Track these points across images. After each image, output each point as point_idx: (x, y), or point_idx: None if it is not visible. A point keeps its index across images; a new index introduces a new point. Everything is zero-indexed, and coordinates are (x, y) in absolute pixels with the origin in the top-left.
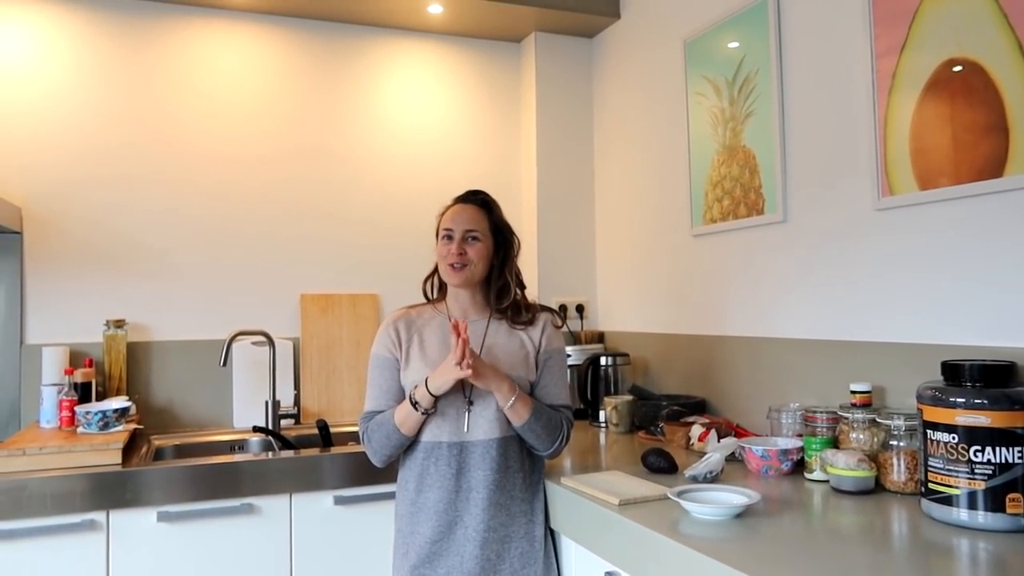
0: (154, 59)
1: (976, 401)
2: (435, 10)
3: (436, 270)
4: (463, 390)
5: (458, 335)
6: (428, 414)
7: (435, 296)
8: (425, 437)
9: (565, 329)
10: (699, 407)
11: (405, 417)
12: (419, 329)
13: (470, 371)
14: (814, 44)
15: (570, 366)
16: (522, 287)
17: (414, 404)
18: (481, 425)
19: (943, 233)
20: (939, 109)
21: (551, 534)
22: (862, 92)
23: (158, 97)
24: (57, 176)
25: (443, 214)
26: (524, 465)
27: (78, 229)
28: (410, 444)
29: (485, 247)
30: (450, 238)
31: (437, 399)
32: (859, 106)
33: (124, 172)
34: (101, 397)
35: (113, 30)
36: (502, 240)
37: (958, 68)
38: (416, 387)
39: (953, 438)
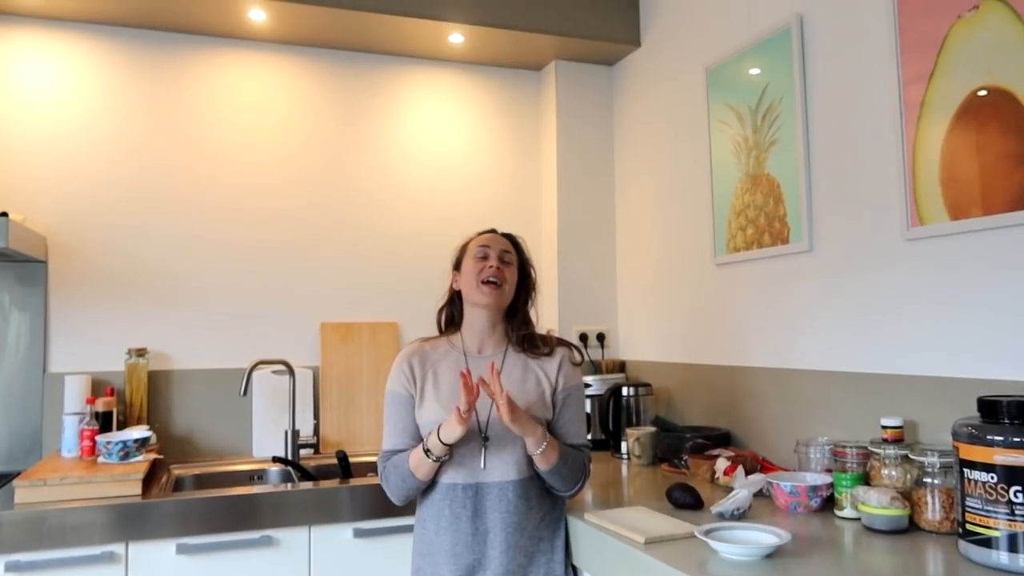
0: (177, 89)
1: (1015, 440)
2: (456, 39)
3: (450, 300)
4: (478, 428)
5: (467, 384)
6: (442, 461)
7: (447, 328)
8: (441, 478)
9: (587, 359)
10: (724, 439)
11: (419, 463)
12: (434, 364)
13: (468, 417)
14: (839, 71)
15: (591, 396)
16: (530, 320)
17: (426, 451)
18: (498, 466)
19: (976, 264)
20: (970, 137)
21: (574, 570)
22: (889, 120)
23: (181, 127)
24: (81, 205)
25: (468, 243)
26: (544, 504)
27: (101, 258)
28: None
29: (516, 273)
30: (486, 256)
31: (451, 447)
32: (886, 134)
33: (147, 201)
34: (122, 426)
35: (137, 60)
36: (524, 277)
37: (988, 95)
38: (429, 435)
39: (992, 478)
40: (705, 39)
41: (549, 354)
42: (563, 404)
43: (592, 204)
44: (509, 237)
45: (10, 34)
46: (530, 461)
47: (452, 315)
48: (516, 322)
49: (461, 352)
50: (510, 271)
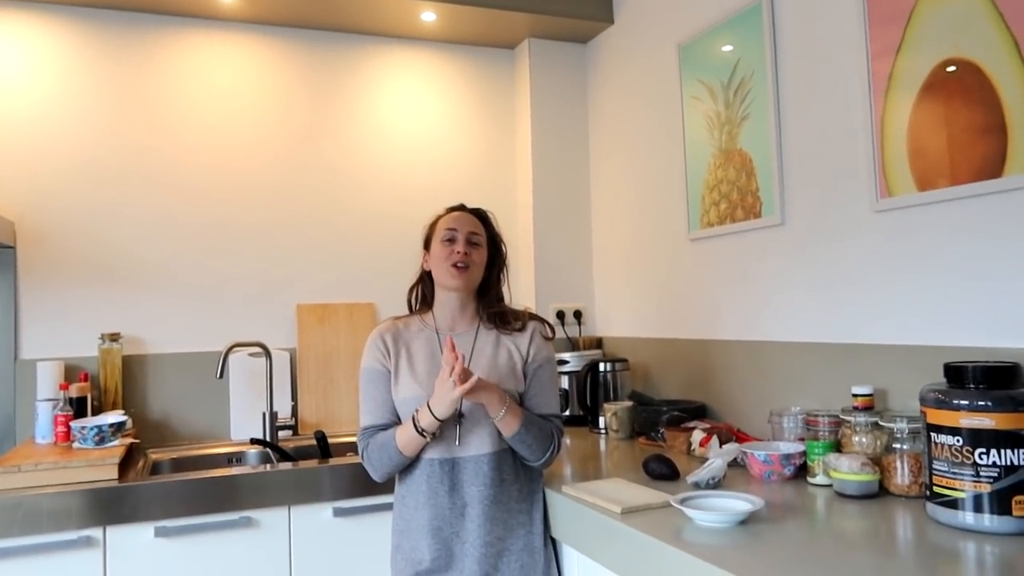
0: (146, 70)
1: (980, 403)
2: (428, 17)
3: (420, 279)
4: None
5: (453, 351)
6: (433, 436)
7: (419, 307)
8: (419, 454)
9: (560, 334)
10: (699, 412)
11: (409, 441)
12: (407, 343)
13: (468, 386)
14: (809, 46)
15: (568, 372)
16: (502, 296)
17: (420, 431)
18: (472, 440)
19: (943, 234)
20: (936, 110)
21: (552, 543)
22: (858, 94)
23: (150, 108)
24: (50, 189)
25: (436, 222)
26: (520, 477)
27: (72, 242)
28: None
29: (485, 254)
30: (453, 239)
31: (441, 421)
32: (856, 108)
33: (117, 185)
34: (97, 411)
35: (105, 41)
36: (495, 252)
37: (954, 68)
38: (418, 413)
39: (958, 441)
40: (677, 16)
41: (521, 329)
42: (533, 375)
43: (567, 182)
44: (478, 213)
45: None
46: None
47: (423, 294)
48: (488, 299)
49: (434, 330)
50: (478, 253)
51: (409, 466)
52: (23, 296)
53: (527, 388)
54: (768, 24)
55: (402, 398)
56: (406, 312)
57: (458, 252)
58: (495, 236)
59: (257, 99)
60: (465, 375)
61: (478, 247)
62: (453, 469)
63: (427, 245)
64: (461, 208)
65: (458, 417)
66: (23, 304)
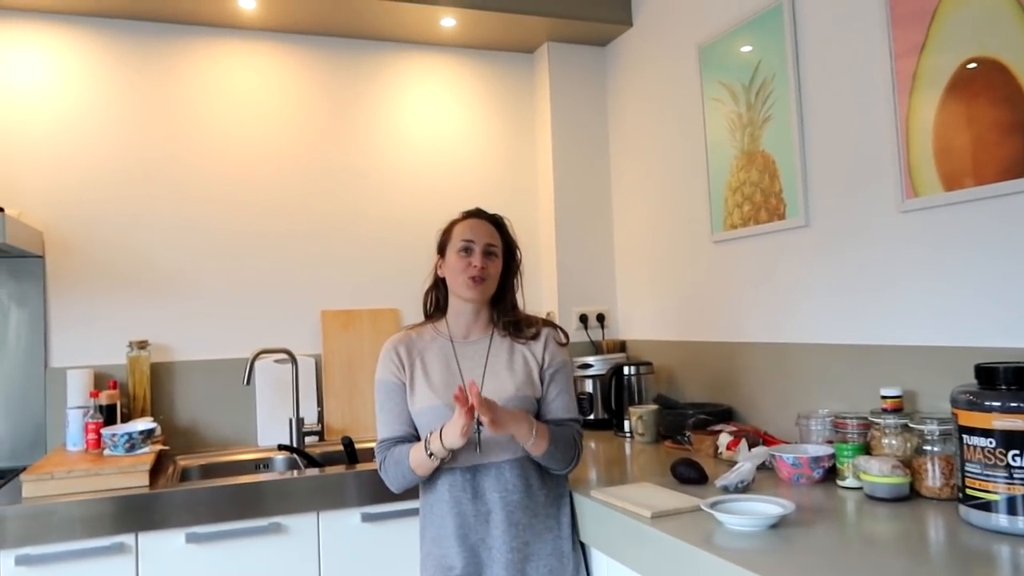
0: (169, 79)
1: (1012, 404)
2: (448, 23)
3: (435, 285)
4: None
5: (465, 402)
6: (443, 461)
7: (433, 313)
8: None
9: (586, 339)
10: (725, 415)
11: (421, 462)
12: (421, 352)
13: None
14: (831, 46)
15: (593, 376)
16: (516, 303)
17: (430, 455)
18: (492, 448)
19: (970, 234)
20: (962, 109)
21: (582, 546)
22: (882, 93)
23: (174, 117)
24: (77, 199)
25: (452, 227)
26: (545, 482)
27: (99, 251)
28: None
29: (500, 263)
30: (469, 251)
31: (450, 450)
32: (879, 108)
33: (143, 193)
34: (126, 419)
35: (128, 51)
36: (510, 259)
37: (978, 65)
38: (432, 435)
39: (990, 443)
40: (697, 17)
41: (535, 337)
42: (550, 380)
43: (588, 185)
44: (494, 220)
45: (0, 29)
46: None
47: (438, 300)
48: (502, 307)
49: (448, 338)
50: (494, 264)
51: (432, 476)
52: (52, 305)
53: (545, 393)
54: (789, 25)
55: (419, 408)
56: (422, 318)
57: (475, 266)
58: (511, 243)
59: (279, 106)
60: (488, 408)
61: (494, 258)
62: (475, 477)
63: (441, 251)
64: (477, 214)
65: (476, 425)
66: (52, 313)
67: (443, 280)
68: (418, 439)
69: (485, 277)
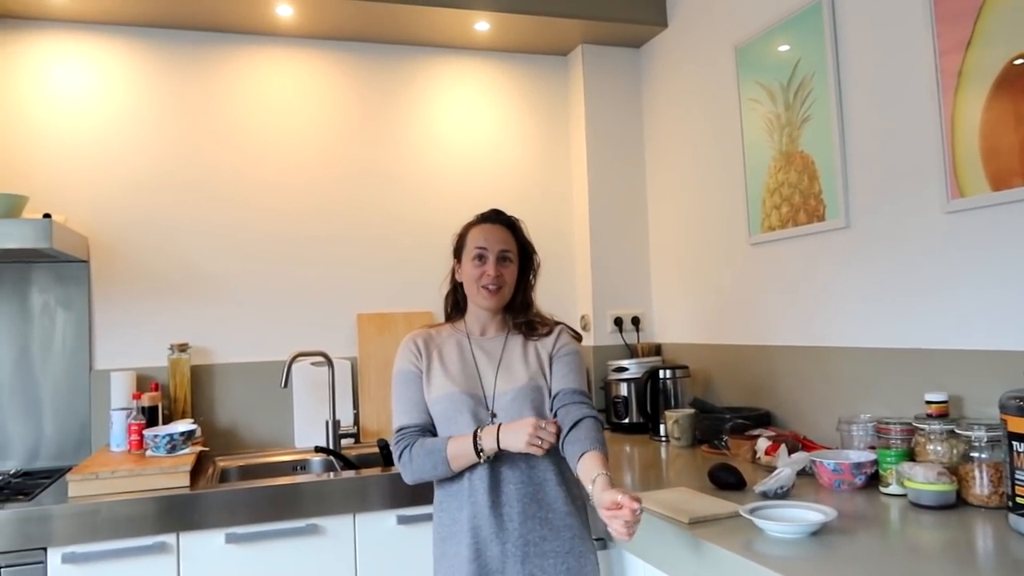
0: (208, 87)
1: None
2: (482, 27)
3: (453, 289)
4: (485, 405)
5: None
6: (488, 460)
7: (452, 314)
8: None
9: (621, 342)
10: (764, 419)
11: (460, 455)
12: (438, 346)
13: (539, 451)
14: (872, 44)
15: (628, 379)
16: (533, 304)
17: (479, 451)
18: None
19: (1019, 234)
20: (1009, 107)
21: (602, 544)
22: (926, 92)
23: (213, 124)
24: (120, 205)
25: (466, 232)
26: (566, 477)
27: (141, 256)
28: None
29: (516, 268)
30: (483, 258)
31: (500, 450)
32: (923, 106)
33: (184, 199)
34: (167, 420)
35: (167, 60)
36: (526, 260)
37: None
38: (485, 432)
39: None
40: (733, 17)
41: (547, 334)
42: (558, 359)
43: (623, 187)
44: (508, 221)
45: (43, 39)
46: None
47: (457, 301)
48: (516, 307)
49: (465, 335)
50: (509, 271)
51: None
52: (96, 309)
53: (552, 372)
54: (829, 23)
55: (435, 396)
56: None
57: (488, 275)
58: (526, 245)
59: (315, 112)
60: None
61: (509, 264)
62: (492, 466)
63: (457, 255)
64: (491, 218)
65: (491, 416)
66: (97, 316)
67: (461, 284)
68: (434, 429)
69: (501, 285)
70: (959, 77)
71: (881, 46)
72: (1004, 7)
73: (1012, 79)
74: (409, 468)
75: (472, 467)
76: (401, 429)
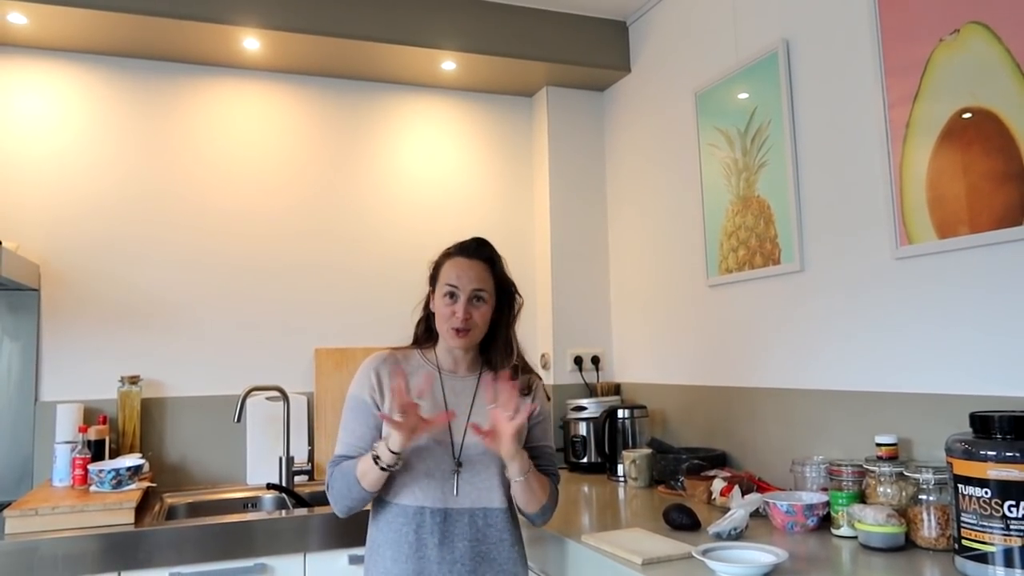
0: (171, 117)
1: (1008, 454)
2: (448, 67)
3: (426, 316)
4: (452, 452)
5: (401, 390)
6: (391, 470)
7: (422, 339)
8: (406, 500)
9: (580, 381)
10: (720, 460)
11: (366, 471)
12: (407, 375)
13: (405, 428)
14: (825, 94)
15: (586, 419)
16: (516, 351)
17: (375, 459)
18: (470, 492)
19: (964, 282)
20: (955, 158)
21: None
22: (876, 141)
23: (174, 155)
24: (74, 233)
25: (443, 263)
26: (514, 535)
27: (94, 286)
28: (386, 505)
29: (490, 308)
30: (454, 296)
31: (399, 456)
32: (873, 155)
33: (140, 229)
34: (115, 454)
35: (130, 88)
36: (504, 298)
37: (971, 115)
38: (379, 444)
39: (986, 493)
40: (693, 64)
41: (525, 393)
42: (534, 426)
43: (584, 227)
44: (487, 256)
45: (4, 64)
46: (504, 489)
47: (429, 327)
48: (496, 349)
49: (435, 366)
50: (480, 312)
51: (394, 513)
52: (45, 338)
53: (531, 435)
54: (784, 73)
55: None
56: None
57: (457, 316)
58: (503, 282)
59: (279, 145)
60: (512, 422)
61: (481, 304)
62: (445, 520)
63: (432, 282)
64: (470, 251)
65: (456, 467)
66: (45, 346)
67: (433, 314)
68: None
69: (469, 328)
70: (907, 128)
71: (834, 96)
72: (950, 62)
73: (958, 131)
74: (331, 495)
75: (422, 519)
76: (335, 458)
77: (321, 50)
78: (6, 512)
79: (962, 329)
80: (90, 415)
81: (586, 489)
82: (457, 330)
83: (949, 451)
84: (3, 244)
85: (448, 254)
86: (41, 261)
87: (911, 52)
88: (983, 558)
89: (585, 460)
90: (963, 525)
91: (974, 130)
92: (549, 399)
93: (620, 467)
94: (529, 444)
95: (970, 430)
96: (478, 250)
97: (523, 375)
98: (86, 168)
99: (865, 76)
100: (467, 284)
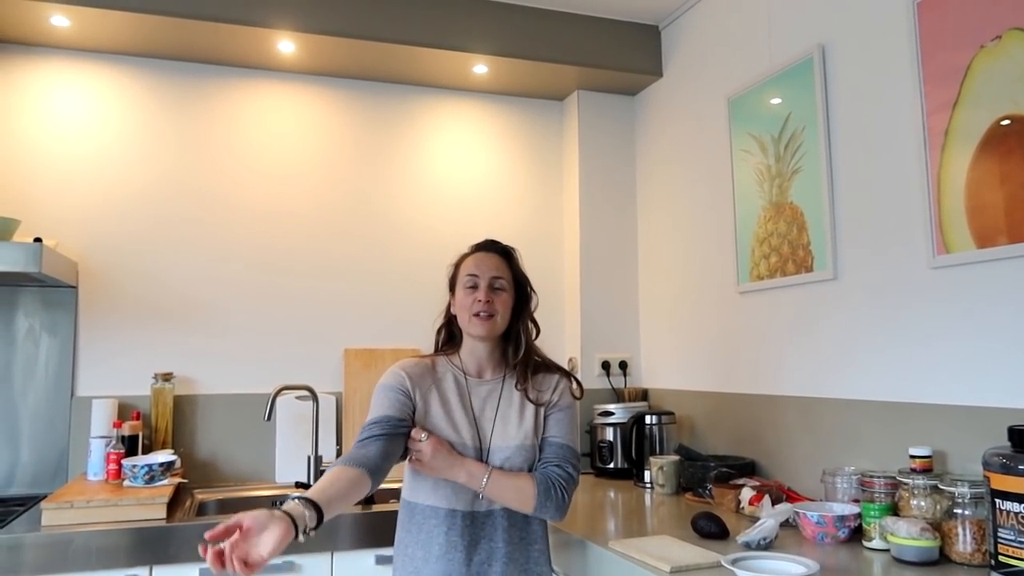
0: (206, 118)
1: None
2: (480, 70)
3: (447, 322)
4: (482, 455)
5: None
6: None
7: (445, 346)
8: (438, 502)
9: (608, 386)
10: (748, 469)
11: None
12: (437, 380)
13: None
14: (862, 101)
15: (613, 424)
16: (529, 343)
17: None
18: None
19: (1003, 292)
20: (995, 166)
21: None
22: (913, 149)
23: (208, 155)
24: (112, 232)
25: (461, 262)
26: (539, 536)
27: (130, 283)
28: (417, 507)
29: (510, 298)
30: (475, 286)
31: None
32: (910, 163)
33: (175, 228)
34: (147, 450)
35: (166, 90)
36: (522, 293)
37: (1011, 123)
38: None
39: None
40: (727, 69)
41: (550, 386)
42: (549, 418)
43: (614, 232)
44: (503, 249)
45: (44, 65)
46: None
47: (452, 334)
48: (515, 347)
49: (461, 371)
50: (502, 299)
51: (425, 515)
52: (82, 335)
53: (545, 428)
54: (820, 78)
55: (432, 428)
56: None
57: (479, 301)
58: (520, 276)
59: (312, 147)
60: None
61: (501, 292)
62: (474, 522)
63: (452, 287)
64: (485, 246)
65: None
66: (82, 342)
67: (455, 317)
68: (401, 424)
69: (492, 312)
70: (946, 136)
71: (870, 103)
72: (990, 69)
73: (998, 139)
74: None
75: (453, 521)
76: (365, 426)
77: (354, 53)
78: (43, 504)
79: (999, 340)
80: (124, 411)
81: (612, 495)
82: (479, 315)
83: (987, 465)
84: (43, 241)
85: (465, 255)
86: (79, 258)
87: (951, 58)
88: (1020, 575)
89: (612, 466)
90: (1000, 540)
91: (1014, 138)
92: (578, 398)
93: (647, 473)
94: (546, 433)
95: (1008, 444)
96: (493, 245)
97: (546, 374)
98: (123, 167)
99: (903, 83)
100: (486, 272)
